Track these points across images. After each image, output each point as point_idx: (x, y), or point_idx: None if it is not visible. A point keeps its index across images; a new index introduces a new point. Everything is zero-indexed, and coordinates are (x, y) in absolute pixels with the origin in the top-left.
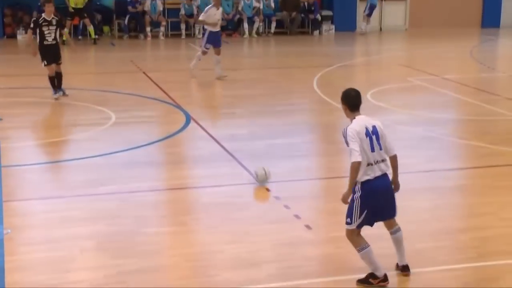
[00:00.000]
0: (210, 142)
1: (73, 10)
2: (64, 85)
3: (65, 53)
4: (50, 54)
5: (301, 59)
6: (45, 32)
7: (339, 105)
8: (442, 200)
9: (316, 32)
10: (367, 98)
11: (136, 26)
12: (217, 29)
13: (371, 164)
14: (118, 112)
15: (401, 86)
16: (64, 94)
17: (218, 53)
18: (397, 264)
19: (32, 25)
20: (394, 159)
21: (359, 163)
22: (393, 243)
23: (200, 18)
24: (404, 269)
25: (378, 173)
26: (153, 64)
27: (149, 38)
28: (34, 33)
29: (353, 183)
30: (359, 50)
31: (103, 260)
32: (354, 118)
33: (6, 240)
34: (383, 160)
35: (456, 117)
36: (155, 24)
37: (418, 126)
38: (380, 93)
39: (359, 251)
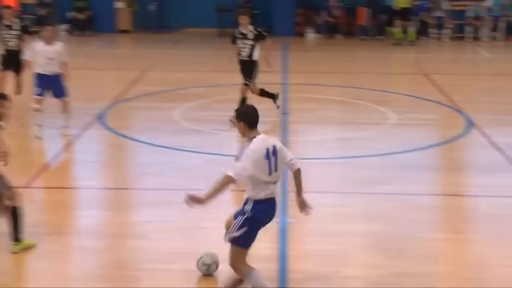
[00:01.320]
0: (491, 149)
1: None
2: (344, 82)
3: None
4: (242, 72)
5: None
6: (239, 46)
7: None
8: None
9: None
10: None
11: (421, 28)
12: None
13: (267, 183)
14: (397, 113)
15: None
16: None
17: None
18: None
19: (232, 37)
20: (298, 173)
21: (233, 181)
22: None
23: None
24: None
25: (270, 195)
26: (435, 66)
27: (432, 40)
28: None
29: (215, 194)
30: None
31: (377, 259)
32: (255, 137)
33: (288, 229)
34: (275, 182)
35: None
36: (439, 26)
37: None
38: None
39: (246, 277)
